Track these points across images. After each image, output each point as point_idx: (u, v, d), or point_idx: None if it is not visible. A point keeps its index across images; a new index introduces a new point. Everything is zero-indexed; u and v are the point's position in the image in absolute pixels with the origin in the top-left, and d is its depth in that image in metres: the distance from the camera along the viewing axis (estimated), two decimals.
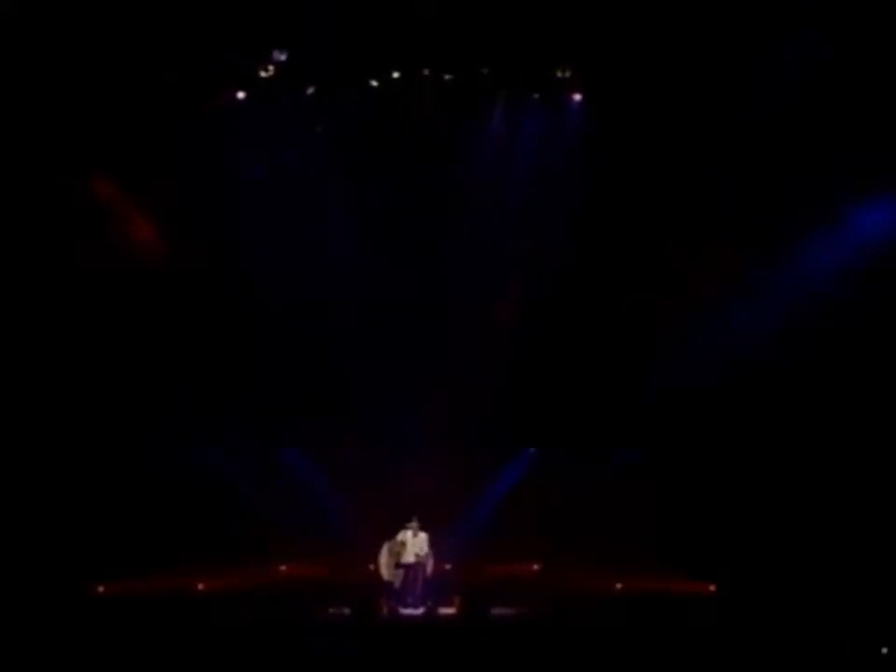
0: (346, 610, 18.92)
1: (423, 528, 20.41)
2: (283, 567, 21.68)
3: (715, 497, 20.69)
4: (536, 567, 21.81)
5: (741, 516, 20.41)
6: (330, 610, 19.19)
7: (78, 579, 19.35)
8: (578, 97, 20.70)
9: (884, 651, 16.55)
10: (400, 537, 20.35)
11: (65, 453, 20.23)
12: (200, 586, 20.45)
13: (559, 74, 20.32)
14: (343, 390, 21.97)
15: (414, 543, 20.30)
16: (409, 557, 20.26)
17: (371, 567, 20.80)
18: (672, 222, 21.00)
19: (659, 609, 18.81)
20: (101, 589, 19.69)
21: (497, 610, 18.92)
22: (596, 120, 20.56)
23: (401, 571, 20.21)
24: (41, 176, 19.50)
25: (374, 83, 20.55)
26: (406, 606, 19.93)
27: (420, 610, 19.83)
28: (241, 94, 20.35)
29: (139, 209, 20.77)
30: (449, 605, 19.89)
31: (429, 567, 20.48)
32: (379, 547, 20.60)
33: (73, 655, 15.77)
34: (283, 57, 19.76)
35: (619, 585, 20.90)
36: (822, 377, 20.21)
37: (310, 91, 20.56)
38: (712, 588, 20.22)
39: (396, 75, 20.47)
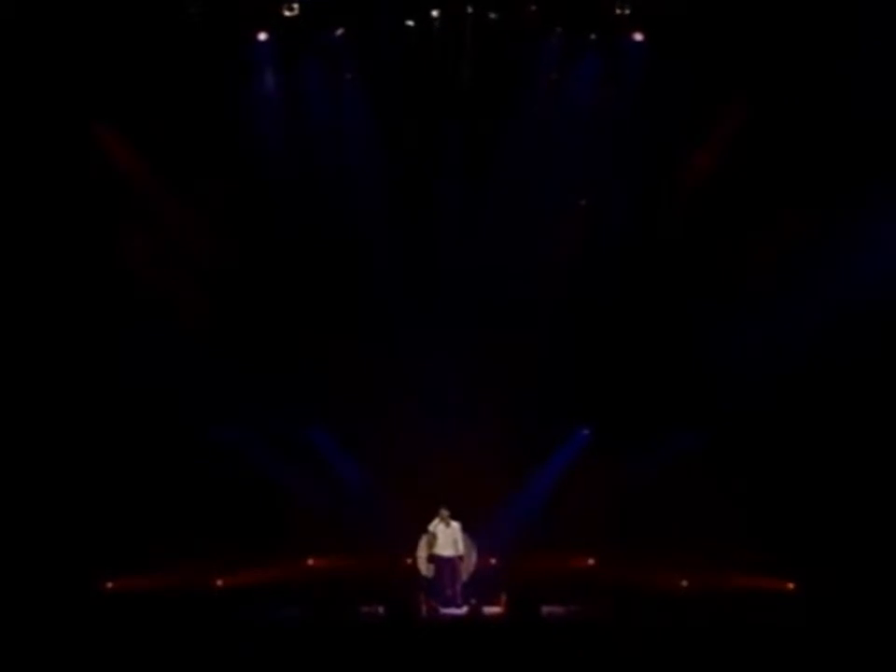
0: (381, 609, 18.01)
1: (455, 517, 19.66)
2: (309, 561, 20.92)
3: (790, 485, 19.80)
4: (591, 561, 21.01)
5: (819, 507, 19.47)
6: (363, 609, 18.21)
7: (88, 574, 18.95)
8: (639, 37, 19.50)
9: None
10: (432, 527, 19.75)
11: (78, 444, 19.69)
12: (219, 582, 19.91)
13: (618, 10, 19.13)
14: (380, 369, 21.04)
15: (447, 534, 19.65)
16: (442, 550, 19.61)
17: (409, 560, 20.14)
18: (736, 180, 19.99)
19: (729, 608, 17.83)
20: (109, 585, 19.31)
21: (547, 609, 17.93)
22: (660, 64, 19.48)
23: (432, 565, 19.65)
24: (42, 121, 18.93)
25: (411, 23, 19.53)
26: (447, 604, 19.23)
27: (463, 609, 19.12)
28: (262, 36, 19.45)
29: (150, 162, 19.91)
30: (495, 603, 19.00)
31: (473, 562, 19.85)
32: (417, 539, 19.87)
33: (85, 653, 14.91)
34: None
35: (684, 582, 20.07)
36: None
37: (339, 32, 19.55)
38: (791, 586, 19.25)
39: (435, 13, 19.45)
